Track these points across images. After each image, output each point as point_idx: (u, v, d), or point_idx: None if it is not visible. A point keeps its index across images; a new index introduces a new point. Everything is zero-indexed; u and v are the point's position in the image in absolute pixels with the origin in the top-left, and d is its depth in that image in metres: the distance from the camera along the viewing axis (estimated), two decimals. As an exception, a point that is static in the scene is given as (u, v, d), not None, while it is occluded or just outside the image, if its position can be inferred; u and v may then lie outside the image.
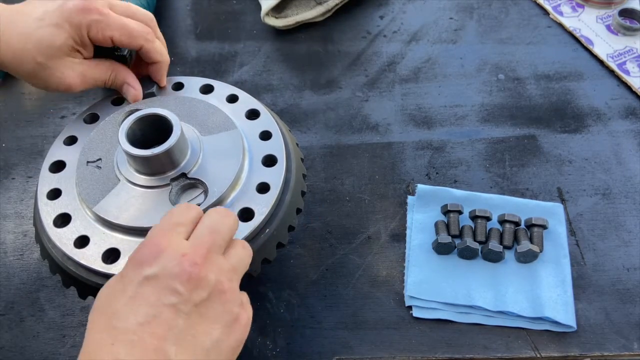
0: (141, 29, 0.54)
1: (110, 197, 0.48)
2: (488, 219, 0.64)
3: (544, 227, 0.63)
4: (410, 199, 0.69)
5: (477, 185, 0.70)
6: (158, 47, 0.56)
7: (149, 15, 0.57)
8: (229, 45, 0.88)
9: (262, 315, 0.61)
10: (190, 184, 0.49)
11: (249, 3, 0.93)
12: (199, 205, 0.47)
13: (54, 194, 0.51)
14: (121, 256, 0.46)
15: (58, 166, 0.53)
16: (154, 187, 0.49)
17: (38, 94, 0.83)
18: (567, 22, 0.87)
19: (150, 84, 0.57)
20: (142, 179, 0.49)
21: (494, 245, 0.61)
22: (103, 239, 0.47)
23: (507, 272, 0.62)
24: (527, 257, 0.61)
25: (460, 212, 0.65)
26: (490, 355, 0.58)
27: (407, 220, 0.67)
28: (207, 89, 0.58)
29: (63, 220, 0.49)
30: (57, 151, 0.54)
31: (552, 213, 0.66)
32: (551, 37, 0.86)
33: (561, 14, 0.88)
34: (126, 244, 0.47)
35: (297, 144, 0.57)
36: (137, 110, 0.52)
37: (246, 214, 0.48)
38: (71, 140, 0.54)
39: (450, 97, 0.79)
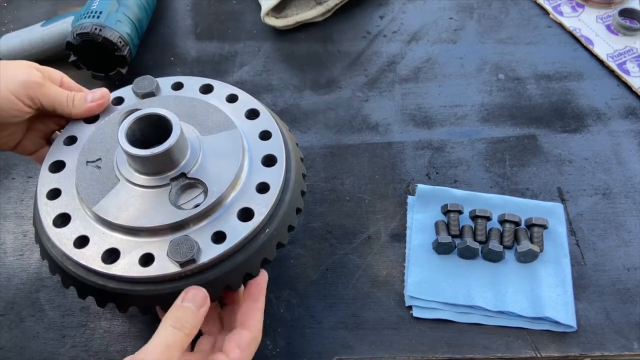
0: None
1: (110, 197, 0.48)
2: (488, 218, 0.64)
3: (544, 227, 0.63)
4: (410, 198, 0.69)
5: (477, 185, 0.70)
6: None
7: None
8: (229, 45, 0.88)
9: (262, 315, 0.61)
10: (190, 183, 0.49)
11: (249, 3, 0.93)
12: (198, 205, 0.47)
13: (54, 194, 0.51)
14: (121, 256, 0.46)
15: (58, 166, 0.52)
16: (153, 187, 0.49)
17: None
18: (567, 22, 0.87)
19: (149, 84, 0.57)
20: (141, 179, 0.49)
21: (494, 245, 0.61)
22: (103, 239, 0.47)
23: (507, 272, 0.61)
24: (527, 257, 0.61)
25: (460, 212, 0.64)
26: (490, 355, 0.58)
27: (407, 220, 0.67)
28: (206, 89, 0.58)
29: (63, 220, 0.49)
30: (57, 151, 0.53)
31: (552, 213, 0.66)
32: (551, 37, 0.86)
33: (561, 13, 0.88)
34: (126, 244, 0.47)
35: (297, 144, 0.57)
36: (136, 110, 0.52)
37: (246, 214, 0.48)
38: (71, 140, 0.54)
39: (450, 97, 0.79)
